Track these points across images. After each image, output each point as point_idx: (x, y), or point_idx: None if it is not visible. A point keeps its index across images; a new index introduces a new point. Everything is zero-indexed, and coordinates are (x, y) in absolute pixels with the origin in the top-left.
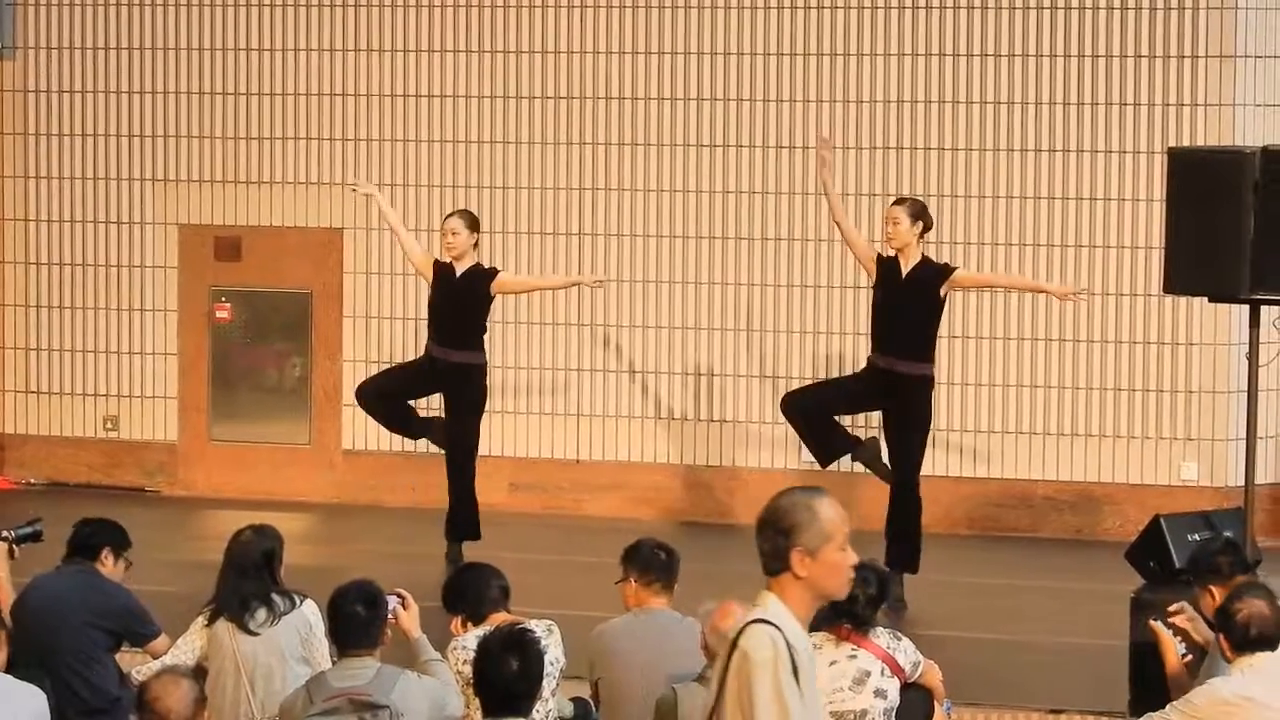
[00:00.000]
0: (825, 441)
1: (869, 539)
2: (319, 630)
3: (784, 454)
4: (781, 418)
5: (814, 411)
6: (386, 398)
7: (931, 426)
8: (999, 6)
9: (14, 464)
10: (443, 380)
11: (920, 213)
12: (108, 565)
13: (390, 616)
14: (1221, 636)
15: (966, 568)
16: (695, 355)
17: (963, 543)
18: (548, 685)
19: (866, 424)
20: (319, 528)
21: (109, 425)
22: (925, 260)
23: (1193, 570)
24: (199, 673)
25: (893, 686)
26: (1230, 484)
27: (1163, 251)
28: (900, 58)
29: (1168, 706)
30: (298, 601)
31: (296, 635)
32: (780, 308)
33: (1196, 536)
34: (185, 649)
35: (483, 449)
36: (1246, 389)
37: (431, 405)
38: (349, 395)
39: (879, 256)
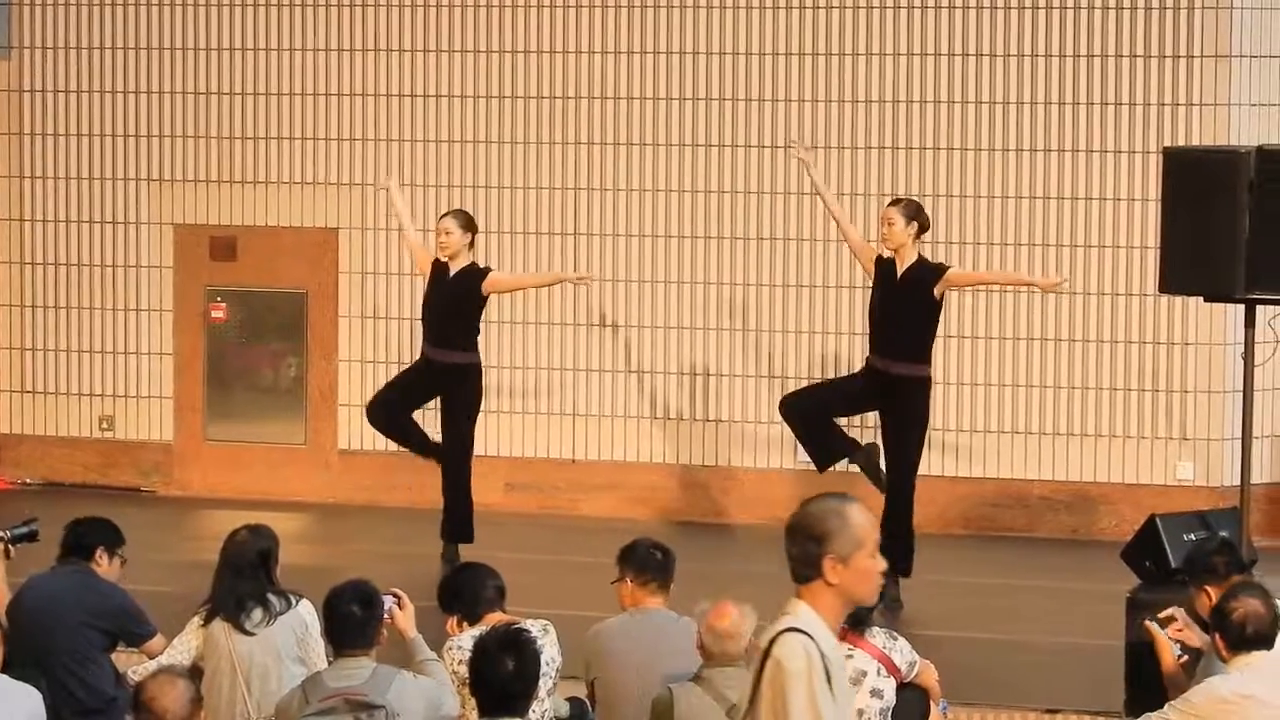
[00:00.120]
0: (823, 445)
1: None
2: (315, 630)
3: (780, 454)
4: (778, 417)
5: (812, 414)
6: (388, 405)
7: (928, 427)
8: (994, 6)
9: (9, 464)
10: (438, 380)
11: (915, 213)
12: (103, 565)
13: (386, 616)
14: (1217, 636)
15: (962, 567)
16: (692, 355)
17: (958, 542)
18: (544, 685)
19: (863, 425)
20: (315, 528)
21: (104, 425)
22: (920, 261)
23: (1188, 570)
24: (195, 673)
25: (889, 686)
26: (1226, 484)
27: (1158, 251)
28: (896, 57)
29: (1166, 706)
30: (294, 601)
31: (292, 635)
32: (777, 307)
33: (1192, 536)
34: (181, 649)
35: (479, 449)
36: (1242, 389)
37: (429, 406)
38: (344, 395)
39: (878, 257)
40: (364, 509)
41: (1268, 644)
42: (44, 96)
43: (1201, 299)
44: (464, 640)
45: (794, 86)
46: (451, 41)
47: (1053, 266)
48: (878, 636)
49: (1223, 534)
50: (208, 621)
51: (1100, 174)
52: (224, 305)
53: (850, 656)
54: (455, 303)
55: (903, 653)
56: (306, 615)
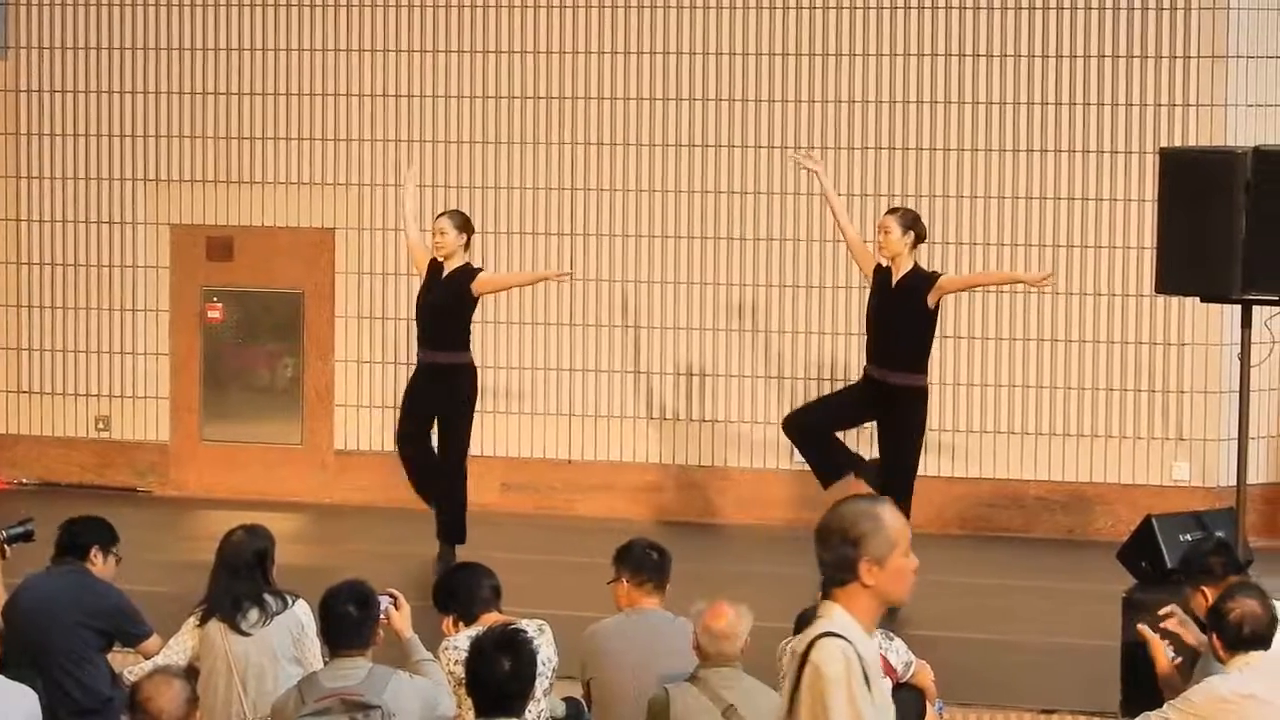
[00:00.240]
0: (828, 462)
1: None
2: (311, 630)
3: (775, 455)
4: (774, 418)
5: (815, 430)
6: (411, 439)
7: (925, 435)
8: (990, 7)
9: (6, 464)
10: (433, 382)
11: (912, 223)
12: (98, 564)
13: (382, 617)
14: (1214, 636)
15: (958, 568)
16: (688, 355)
17: (955, 543)
18: (540, 685)
19: (858, 433)
20: (311, 528)
21: (101, 425)
22: (915, 270)
23: (1185, 571)
24: (191, 673)
25: (885, 686)
26: (1222, 484)
27: (1154, 252)
28: (892, 58)
29: (1165, 705)
30: (290, 601)
31: (288, 635)
32: (774, 308)
33: (1188, 537)
34: (177, 649)
35: (475, 449)
36: (1238, 389)
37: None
38: (341, 395)
39: (877, 265)
40: (360, 509)
41: (1265, 644)
42: (40, 96)
43: (1198, 299)
44: (460, 640)
45: (791, 87)
46: (448, 42)
47: (1049, 267)
48: (874, 636)
49: (1218, 534)
50: (203, 622)
51: (1097, 174)
52: (220, 305)
53: None
54: (447, 303)
55: (899, 653)
56: (302, 615)
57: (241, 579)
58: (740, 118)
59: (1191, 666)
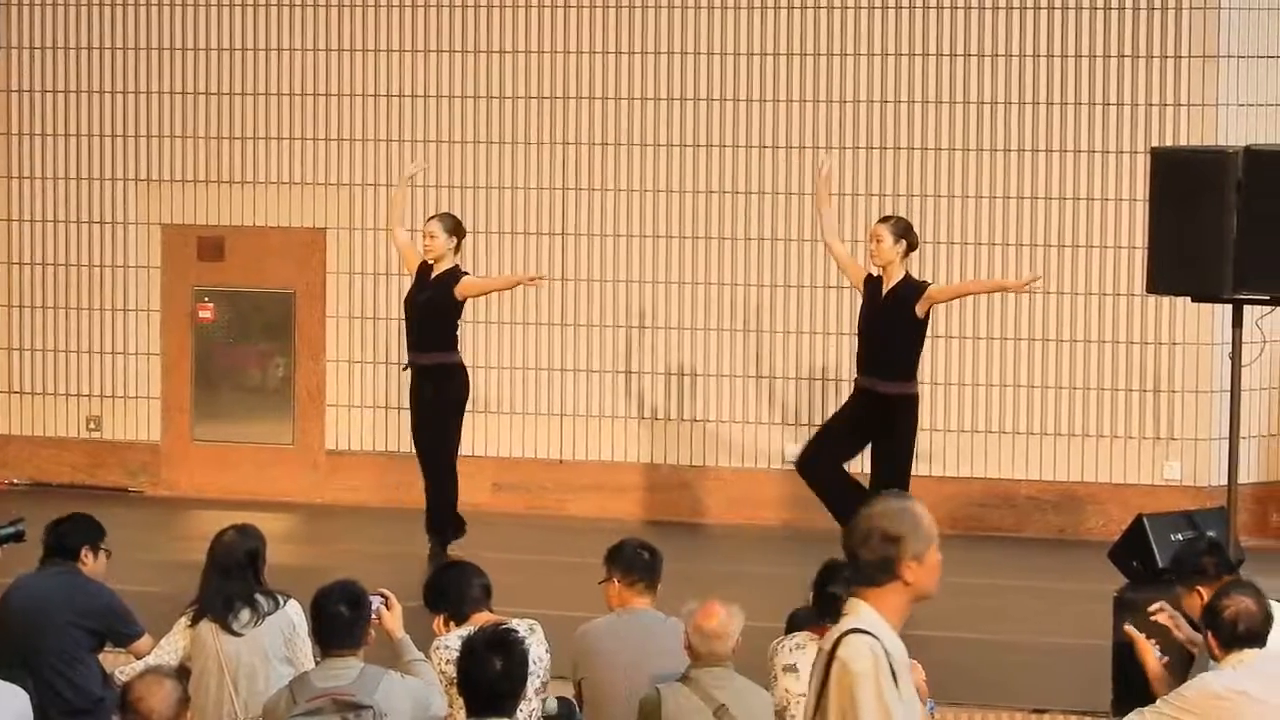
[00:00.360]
0: (845, 506)
1: None
2: (302, 630)
3: (766, 455)
4: (764, 417)
5: (827, 473)
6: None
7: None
8: (981, 6)
9: None
10: (423, 383)
11: (904, 232)
12: (89, 563)
13: (374, 617)
14: (1210, 634)
15: (950, 568)
16: (679, 355)
17: (946, 543)
18: (531, 684)
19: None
20: (302, 528)
21: (92, 425)
22: (906, 279)
23: (1177, 571)
24: (182, 673)
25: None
26: (1213, 484)
27: (1145, 251)
28: (882, 58)
29: (1159, 700)
30: (281, 602)
31: (280, 635)
32: (765, 308)
33: (1179, 536)
34: (168, 649)
35: (466, 449)
36: (1229, 389)
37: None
38: (332, 395)
39: (867, 276)
40: (351, 509)
41: (1260, 641)
42: (31, 96)
43: (1189, 299)
44: (451, 640)
45: (778, 87)
46: (440, 41)
47: (1040, 267)
48: None
49: (1210, 534)
50: (195, 622)
51: (1088, 174)
52: (211, 305)
53: None
54: (433, 305)
55: None
56: (294, 615)
57: (233, 579)
58: (723, 118)
59: (1182, 666)
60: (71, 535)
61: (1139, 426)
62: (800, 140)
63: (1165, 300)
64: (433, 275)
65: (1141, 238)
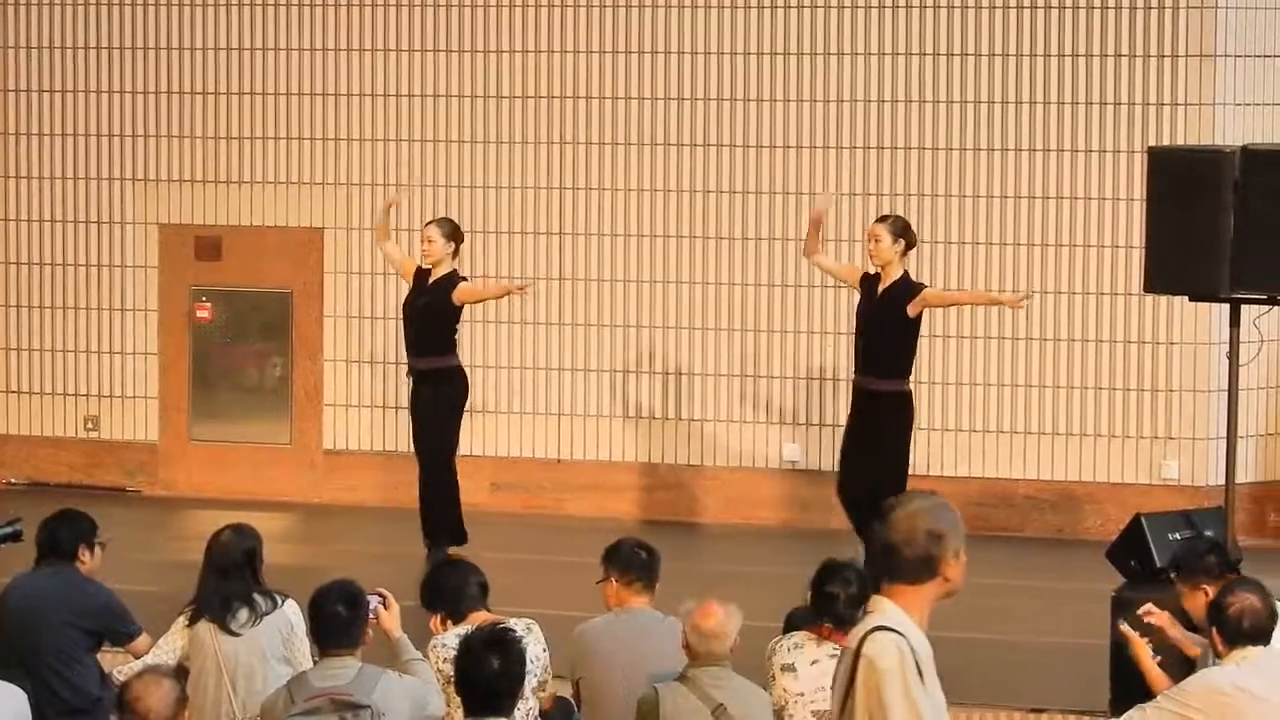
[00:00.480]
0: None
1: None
2: (300, 630)
3: (764, 454)
4: (762, 416)
5: (862, 497)
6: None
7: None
8: (979, 6)
9: None
10: (421, 386)
11: (902, 231)
12: (87, 561)
13: (371, 616)
14: (1215, 630)
15: None
16: (676, 355)
17: None
18: (528, 683)
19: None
20: (300, 527)
21: (89, 425)
22: (903, 279)
23: (1182, 569)
24: (180, 673)
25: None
26: (1211, 483)
27: (1143, 250)
28: (880, 57)
29: (1160, 696)
30: (279, 601)
31: (278, 635)
32: (761, 307)
33: (1177, 535)
34: (166, 649)
35: (464, 449)
36: (1227, 388)
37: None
38: (330, 395)
39: (864, 275)
40: (349, 509)
41: (1264, 639)
42: (28, 96)
43: (1186, 298)
44: (449, 639)
45: (776, 86)
46: (439, 41)
47: (1037, 266)
48: None
49: (1208, 533)
50: (193, 622)
51: (1085, 173)
52: (209, 305)
53: (836, 656)
54: (432, 310)
55: None
56: (292, 615)
57: (230, 579)
58: (721, 117)
59: (1177, 666)
60: (67, 535)
61: (1137, 426)
62: (800, 140)
63: (1163, 299)
64: (431, 280)
65: (1139, 237)
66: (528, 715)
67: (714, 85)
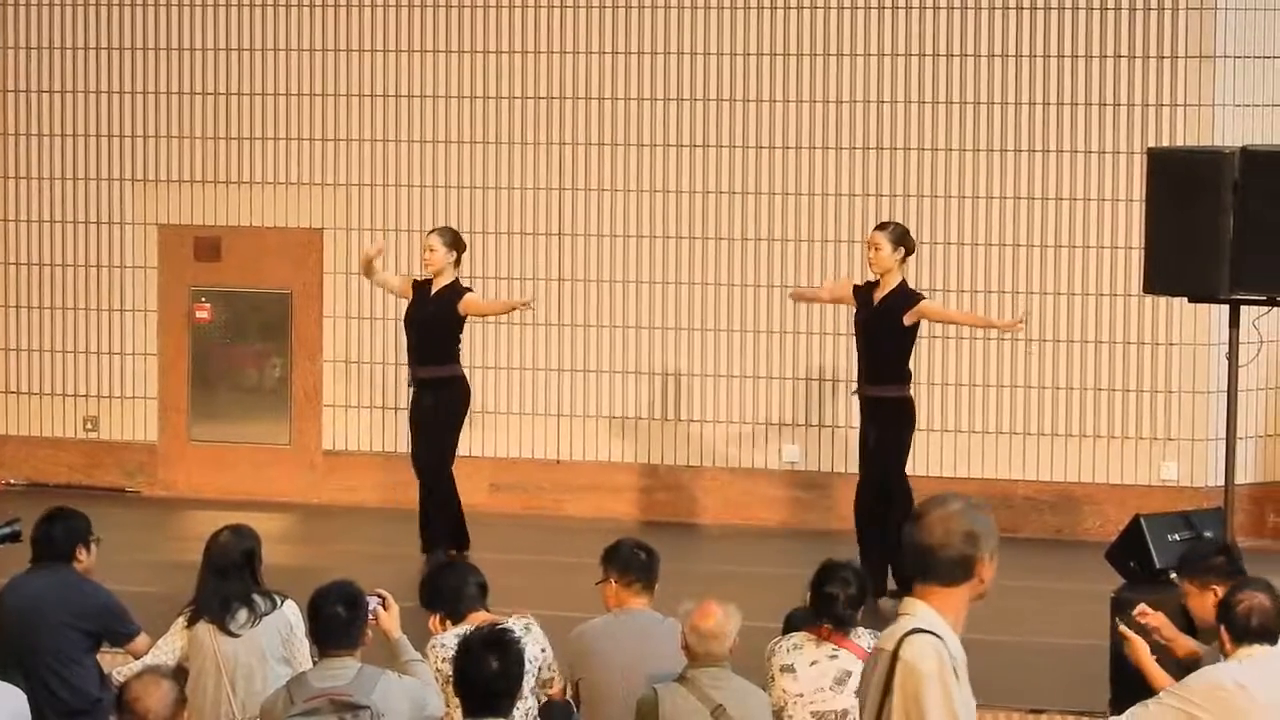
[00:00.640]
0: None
1: (850, 539)
2: (300, 630)
3: (764, 454)
4: (761, 418)
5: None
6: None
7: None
8: (978, 7)
9: None
10: (424, 395)
11: (901, 238)
12: (84, 559)
13: (371, 617)
14: (1223, 628)
15: None
16: (675, 355)
17: None
18: (527, 683)
19: (847, 426)
20: (299, 528)
21: (89, 426)
22: (901, 287)
23: (1192, 570)
24: (180, 673)
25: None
26: (1210, 484)
27: (1142, 251)
28: (879, 58)
29: (1162, 692)
30: (279, 602)
31: (277, 636)
32: (760, 308)
33: (1177, 536)
34: (165, 650)
35: (463, 449)
36: (1226, 389)
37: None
38: (329, 396)
39: (855, 287)
40: (348, 509)
41: (1271, 639)
42: (28, 96)
43: (1186, 299)
44: (448, 638)
45: (775, 87)
46: (436, 42)
47: (1036, 267)
48: (863, 637)
49: (1208, 534)
50: (192, 623)
51: (1085, 174)
52: (208, 306)
53: (835, 657)
54: (436, 321)
55: None
56: (291, 616)
57: (230, 580)
58: (720, 118)
59: (1174, 668)
60: (63, 536)
61: (1136, 427)
62: (800, 141)
63: (1162, 300)
64: (433, 291)
65: (1138, 238)
66: (526, 715)
67: (713, 86)
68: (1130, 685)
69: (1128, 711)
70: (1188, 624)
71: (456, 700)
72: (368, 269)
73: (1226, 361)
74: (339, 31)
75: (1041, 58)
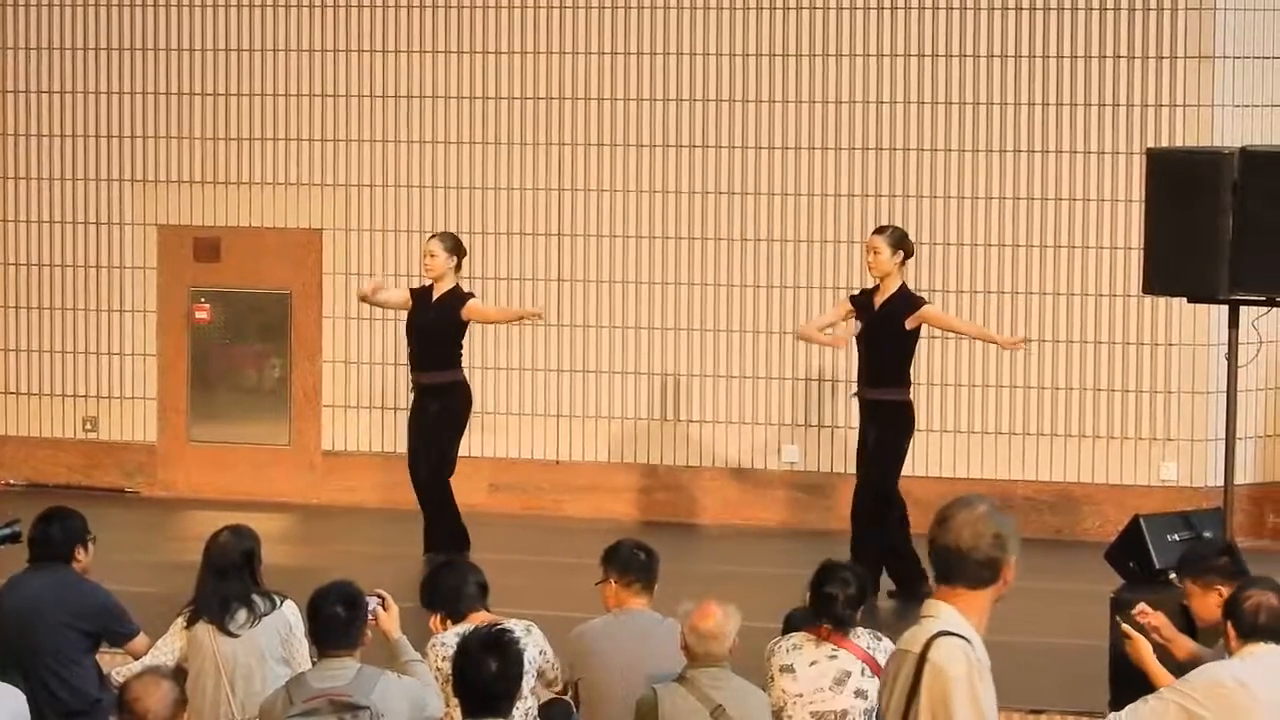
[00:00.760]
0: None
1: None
2: (299, 631)
3: (763, 455)
4: (760, 418)
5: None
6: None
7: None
8: (978, 7)
9: None
10: (426, 402)
11: (900, 241)
12: (82, 559)
13: (370, 617)
14: (1229, 624)
15: None
16: (674, 356)
17: None
18: (526, 683)
19: (847, 426)
20: (298, 528)
21: (88, 426)
22: (901, 291)
23: (1195, 570)
24: (179, 674)
25: (873, 686)
26: (1209, 484)
27: (1142, 252)
28: (878, 58)
29: (1162, 689)
30: (278, 602)
31: (277, 636)
32: (760, 309)
33: (1176, 537)
34: (165, 650)
35: (463, 449)
36: (1225, 389)
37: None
38: (329, 396)
39: (851, 298)
40: (348, 510)
41: (1276, 636)
42: (27, 97)
43: (1185, 300)
44: (448, 637)
45: (773, 87)
46: (439, 42)
47: (1036, 267)
48: (862, 637)
49: (1207, 534)
50: (191, 623)
51: (1084, 175)
52: (208, 306)
53: (834, 657)
54: (439, 326)
55: (887, 652)
56: (291, 616)
57: (229, 580)
58: (718, 118)
59: (1172, 669)
60: (61, 536)
61: (1135, 427)
62: (799, 141)
63: (1161, 301)
64: (435, 297)
65: (1137, 238)
66: (526, 715)
67: (712, 86)
68: (1130, 685)
69: (1128, 707)
70: (1187, 624)
71: (456, 700)
72: (365, 300)
73: (1226, 362)
74: (339, 31)
75: (1041, 58)
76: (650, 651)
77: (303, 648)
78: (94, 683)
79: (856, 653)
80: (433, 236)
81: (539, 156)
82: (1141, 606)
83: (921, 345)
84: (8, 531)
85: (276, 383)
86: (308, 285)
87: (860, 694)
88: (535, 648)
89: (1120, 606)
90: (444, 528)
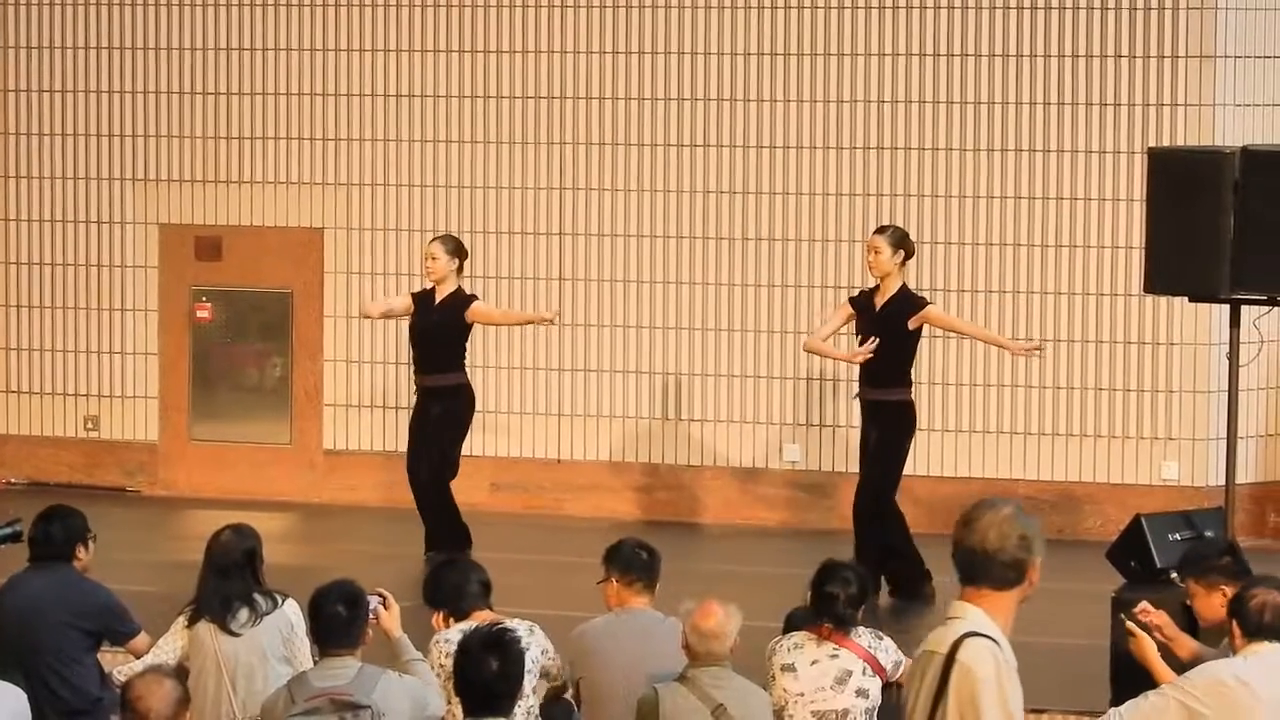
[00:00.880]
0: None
1: (850, 539)
2: (300, 630)
3: (764, 454)
4: (762, 417)
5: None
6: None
7: (909, 449)
8: (979, 6)
9: None
10: (429, 404)
11: (900, 241)
12: (83, 558)
13: (371, 616)
14: (1234, 623)
15: (946, 567)
16: (676, 355)
17: (944, 542)
18: (528, 682)
19: (849, 425)
20: (299, 527)
21: (89, 425)
22: (902, 291)
23: (1198, 570)
24: (181, 673)
25: (874, 686)
26: (1211, 484)
27: (1143, 251)
28: (880, 58)
29: (1163, 686)
30: (279, 601)
31: (278, 635)
32: (761, 308)
33: (1177, 536)
34: (166, 649)
35: (463, 449)
36: (1227, 389)
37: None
38: (330, 395)
39: (850, 301)
40: (349, 509)
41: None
42: (28, 96)
43: (1186, 299)
44: (452, 634)
45: (776, 87)
46: (435, 42)
47: (1037, 267)
48: (863, 636)
49: (1208, 534)
50: (193, 622)
51: (1085, 174)
52: (209, 305)
53: (835, 657)
54: (442, 329)
55: (888, 652)
56: (292, 615)
57: (231, 579)
58: (720, 118)
59: (1181, 668)
60: (62, 535)
61: (1137, 426)
62: (800, 141)
63: (1163, 300)
64: (438, 299)
65: (1139, 238)
66: (528, 714)
67: (714, 86)
68: (1132, 685)
69: (1128, 703)
70: (1188, 624)
71: (458, 698)
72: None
73: (1227, 361)
74: (339, 31)
75: (1041, 58)
76: (652, 651)
77: (304, 647)
78: (95, 682)
79: (858, 652)
80: (434, 239)
81: (540, 155)
82: (1143, 605)
83: (922, 345)
84: (9, 530)
85: (278, 382)
86: (309, 284)
87: (861, 693)
88: (538, 648)
89: (1122, 606)
90: (445, 527)
